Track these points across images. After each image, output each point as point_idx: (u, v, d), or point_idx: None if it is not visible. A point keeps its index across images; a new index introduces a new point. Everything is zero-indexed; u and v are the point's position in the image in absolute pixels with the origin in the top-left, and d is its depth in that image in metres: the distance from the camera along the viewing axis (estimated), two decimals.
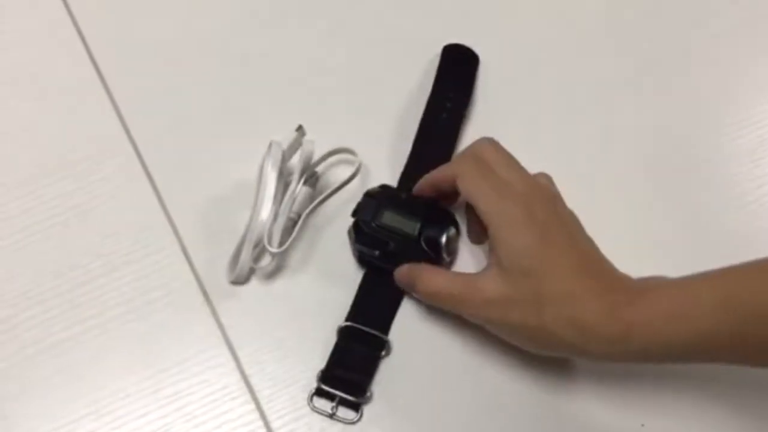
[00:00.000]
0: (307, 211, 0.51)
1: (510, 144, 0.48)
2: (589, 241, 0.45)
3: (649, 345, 0.40)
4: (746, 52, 0.59)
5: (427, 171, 0.50)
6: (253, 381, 0.47)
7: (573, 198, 0.47)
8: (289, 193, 0.50)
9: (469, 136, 0.55)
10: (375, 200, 0.50)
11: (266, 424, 0.46)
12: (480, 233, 0.50)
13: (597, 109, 0.57)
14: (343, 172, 0.53)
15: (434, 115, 0.55)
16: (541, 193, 0.46)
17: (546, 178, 0.47)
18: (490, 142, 0.47)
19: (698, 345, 0.40)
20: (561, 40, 0.59)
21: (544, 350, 0.45)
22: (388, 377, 0.48)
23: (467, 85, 0.56)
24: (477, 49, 0.57)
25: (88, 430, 0.46)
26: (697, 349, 0.40)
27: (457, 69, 0.57)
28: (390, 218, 0.49)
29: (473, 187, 0.46)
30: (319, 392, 0.47)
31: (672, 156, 0.55)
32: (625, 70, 0.58)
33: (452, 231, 0.50)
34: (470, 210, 0.48)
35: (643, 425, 0.47)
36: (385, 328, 0.49)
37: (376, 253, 0.49)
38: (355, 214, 0.50)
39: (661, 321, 0.40)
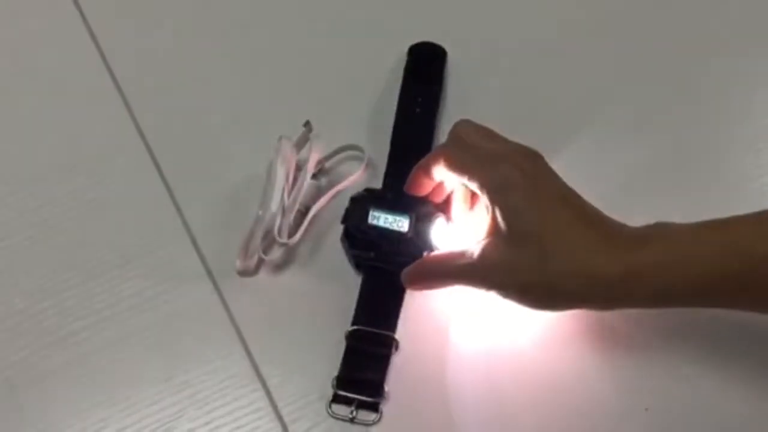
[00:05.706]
0: (317, 205, 0.52)
1: None
2: (579, 196, 0.45)
3: (651, 288, 0.41)
4: (748, 41, 0.59)
5: (408, 168, 0.50)
6: (263, 369, 0.48)
7: None
8: (297, 186, 0.51)
9: (445, 128, 0.54)
10: (361, 204, 0.50)
11: (276, 410, 0.47)
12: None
13: (588, 97, 0.57)
14: (351, 169, 0.54)
15: (406, 112, 0.56)
16: (525, 150, 0.46)
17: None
18: (467, 122, 0.48)
19: (702, 289, 0.41)
20: (538, 30, 0.60)
21: (549, 307, 0.45)
22: (401, 374, 0.48)
23: (435, 79, 0.57)
24: (452, 44, 0.58)
25: (101, 418, 0.47)
26: (701, 293, 0.41)
27: (424, 65, 0.57)
28: (379, 218, 0.50)
29: (458, 163, 0.46)
30: (336, 398, 0.48)
31: (672, 146, 0.55)
32: (618, 58, 0.58)
33: (441, 221, 0.50)
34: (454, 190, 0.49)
35: (646, 409, 0.47)
36: (392, 326, 0.50)
37: (371, 254, 0.50)
38: (344, 220, 0.51)
39: (663, 266, 0.41)
